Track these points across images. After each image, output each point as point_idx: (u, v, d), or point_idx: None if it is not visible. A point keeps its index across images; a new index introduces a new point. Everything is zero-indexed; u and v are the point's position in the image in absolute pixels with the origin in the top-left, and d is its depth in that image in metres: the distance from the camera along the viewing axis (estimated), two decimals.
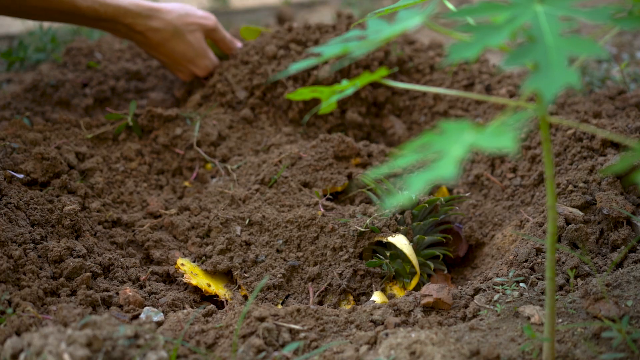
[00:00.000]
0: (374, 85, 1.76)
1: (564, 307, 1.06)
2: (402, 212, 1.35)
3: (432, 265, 1.32)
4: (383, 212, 1.33)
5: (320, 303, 1.26)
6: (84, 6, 1.50)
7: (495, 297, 1.13)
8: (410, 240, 1.31)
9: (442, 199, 1.36)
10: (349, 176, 1.46)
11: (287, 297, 1.27)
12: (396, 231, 1.31)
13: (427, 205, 1.34)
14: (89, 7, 1.50)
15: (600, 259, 1.20)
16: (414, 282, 1.30)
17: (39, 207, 1.31)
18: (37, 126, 1.54)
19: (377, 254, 1.34)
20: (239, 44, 1.72)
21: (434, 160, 0.66)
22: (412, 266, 1.29)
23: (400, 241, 1.29)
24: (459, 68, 1.80)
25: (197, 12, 1.63)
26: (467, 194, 1.44)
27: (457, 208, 1.40)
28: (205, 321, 1.10)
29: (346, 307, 1.24)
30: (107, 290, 1.20)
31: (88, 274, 1.20)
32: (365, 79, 0.88)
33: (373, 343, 1.01)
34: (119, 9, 1.54)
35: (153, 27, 1.57)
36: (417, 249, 1.32)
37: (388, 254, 1.30)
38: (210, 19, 1.64)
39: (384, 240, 1.30)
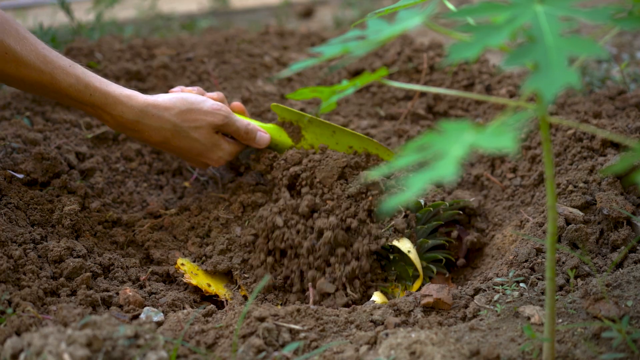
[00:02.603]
0: None
1: (564, 307, 1.06)
2: (406, 216, 1.35)
3: (434, 269, 1.32)
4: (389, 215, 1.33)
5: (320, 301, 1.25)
6: (66, 84, 1.24)
7: (495, 297, 1.13)
8: (414, 243, 1.32)
9: (447, 203, 1.36)
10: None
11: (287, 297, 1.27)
12: (401, 235, 1.31)
13: (431, 209, 1.34)
14: (71, 86, 1.25)
15: (600, 259, 1.20)
16: (416, 285, 1.30)
17: (39, 207, 1.31)
18: (37, 126, 1.54)
19: (380, 257, 1.34)
20: (258, 134, 1.41)
21: (434, 160, 0.66)
22: (415, 269, 1.30)
23: (404, 245, 1.29)
24: (459, 68, 1.80)
25: (204, 106, 1.35)
26: (471, 199, 1.44)
27: (461, 212, 1.40)
28: (205, 321, 1.10)
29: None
30: (107, 290, 1.20)
31: (88, 274, 1.20)
32: (365, 78, 0.88)
33: (373, 343, 1.01)
34: (108, 97, 1.28)
35: (151, 126, 1.31)
36: (420, 252, 1.32)
37: (391, 256, 1.30)
38: (218, 115, 1.35)
39: (388, 243, 1.30)
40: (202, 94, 1.41)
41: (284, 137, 1.44)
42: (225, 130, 1.38)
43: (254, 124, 1.42)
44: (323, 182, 1.34)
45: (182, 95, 1.34)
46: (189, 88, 1.41)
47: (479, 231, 1.44)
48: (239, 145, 1.43)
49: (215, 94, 1.42)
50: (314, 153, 1.38)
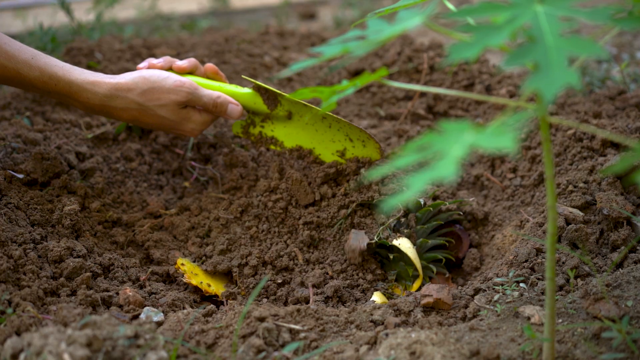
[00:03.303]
0: None
1: (564, 307, 1.06)
2: (405, 215, 1.35)
3: (434, 269, 1.32)
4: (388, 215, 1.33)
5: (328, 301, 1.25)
6: (31, 77, 1.27)
7: (495, 297, 1.13)
8: (414, 243, 1.32)
9: (447, 203, 1.36)
10: None
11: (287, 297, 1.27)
12: (400, 234, 1.31)
13: (431, 209, 1.34)
14: (37, 79, 1.28)
15: (600, 259, 1.20)
16: (416, 285, 1.30)
17: (39, 207, 1.31)
18: (37, 126, 1.54)
19: (380, 256, 1.34)
20: (229, 106, 1.41)
21: (434, 160, 0.66)
22: (415, 269, 1.30)
23: (404, 244, 1.29)
24: (459, 68, 1.80)
25: (165, 85, 1.35)
26: (471, 199, 1.44)
27: (461, 214, 1.40)
28: (205, 321, 1.10)
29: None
30: (107, 290, 1.20)
31: (88, 274, 1.20)
32: (365, 78, 0.88)
33: (373, 343, 1.01)
34: (72, 85, 1.30)
35: (116, 107, 1.34)
36: (419, 252, 1.32)
37: (391, 256, 1.30)
38: (181, 92, 1.35)
39: (388, 243, 1.30)
40: (171, 64, 1.42)
41: (259, 104, 1.44)
42: (192, 104, 1.39)
43: (225, 95, 1.42)
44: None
45: (144, 74, 1.36)
46: (157, 60, 1.42)
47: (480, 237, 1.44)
48: (212, 115, 1.43)
49: (186, 62, 1.42)
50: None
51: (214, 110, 1.40)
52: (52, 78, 1.29)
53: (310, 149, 1.45)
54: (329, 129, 1.42)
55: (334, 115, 1.40)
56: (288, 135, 1.46)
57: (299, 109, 1.42)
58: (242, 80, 1.75)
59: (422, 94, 1.79)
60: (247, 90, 1.44)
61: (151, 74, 1.36)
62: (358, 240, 1.26)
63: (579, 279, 1.15)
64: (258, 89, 1.43)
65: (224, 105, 1.40)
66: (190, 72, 1.43)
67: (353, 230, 1.28)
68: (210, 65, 1.45)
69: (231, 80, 1.81)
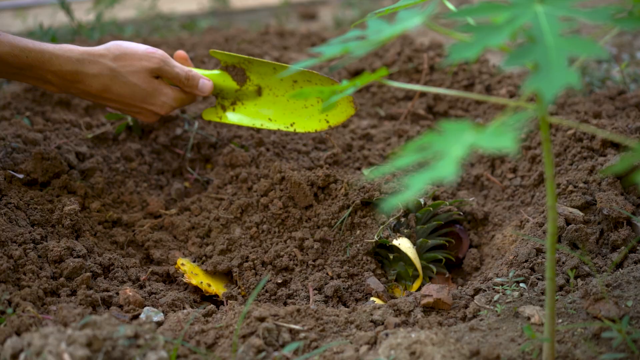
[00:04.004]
0: None
1: (564, 308, 1.06)
2: (405, 215, 1.35)
3: (434, 269, 1.32)
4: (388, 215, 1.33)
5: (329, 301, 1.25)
6: (2, 52, 1.26)
7: (495, 298, 1.13)
8: (414, 243, 1.32)
9: (447, 203, 1.36)
10: None
11: (288, 297, 1.27)
12: (400, 234, 1.31)
13: (431, 209, 1.34)
14: (7, 53, 1.26)
15: (601, 259, 1.20)
16: (416, 285, 1.30)
17: (39, 207, 1.31)
18: (37, 126, 1.54)
19: (380, 256, 1.34)
20: (200, 81, 1.43)
21: (434, 160, 0.66)
22: (415, 269, 1.30)
23: (404, 244, 1.29)
24: (459, 68, 1.80)
25: (138, 51, 1.37)
26: (471, 199, 1.44)
27: (461, 214, 1.40)
28: (205, 321, 1.10)
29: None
30: (107, 290, 1.20)
31: (88, 274, 1.20)
32: (365, 78, 0.88)
33: (373, 343, 1.01)
34: (44, 53, 1.29)
35: (88, 73, 1.33)
36: (419, 252, 1.32)
37: (391, 256, 1.30)
38: (154, 59, 1.37)
39: (388, 243, 1.30)
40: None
41: (228, 82, 1.47)
42: (164, 75, 1.40)
43: (196, 71, 1.44)
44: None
45: (116, 42, 1.38)
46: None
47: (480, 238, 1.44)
48: (183, 92, 1.44)
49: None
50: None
51: (186, 83, 1.42)
52: (23, 50, 1.28)
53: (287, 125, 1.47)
54: (293, 83, 1.46)
55: (307, 73, 1.42)
56: (260, 113, 1.49)
57: (268, 81, 1.46)
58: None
59: (422, 94, 1.78)
60: (215, 71, 1.47)
61: (123, 42, 1.38)
62: (376, 284, 1.27)
63: (579, 279, 1.15)
64: (226, 67, 1.47)
65: (196, 79, 1.42)
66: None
67: (369, 279, 1.28)
68: (180, 53, 1.48)
69: None
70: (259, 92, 1.47)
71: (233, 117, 1.50)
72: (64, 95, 1.68)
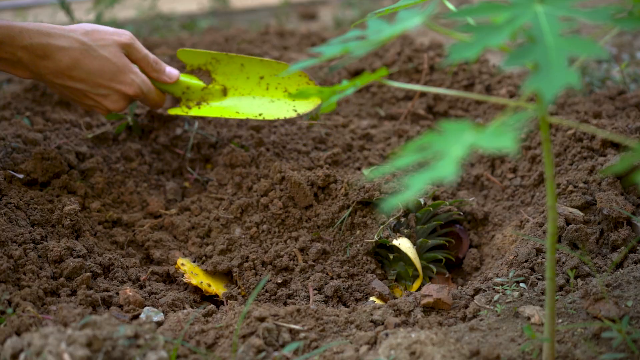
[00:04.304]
0: None
1: (564, 308, 1.06)
2: (405, 215, 1.35)
3: (434, 269, 1.32)
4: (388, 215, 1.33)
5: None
6: None
7: (495, 298, 1.13)
8: (414, 243, 1.32)
9: (447, 203, 1.36)
10: None
11: (288, 297, 1.27)
12: (400, 234, 1.31)
13: (431, 209, 1.34)
14: None
15: (601, 259, 1.20)
16: (416, 285, 1.30)
17: (39, 207, 1.31)
18: (37, 126, 1.54)
19: (380, 256, 1.34)
20: (167, 67, 1.47)
21: (434, 160, 0.66)
22: (415, 269, 1.30)
23: (404, 244, 1.29)
24: (459, 68, 1.80)
25: (108, 29, 1.38)
26: (471, 199, 1.44)
27: (461, 214, 1.40)
28: (205, 321, 1.10)
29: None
30: (107, 290, 1.20)
31: (88, 274, 1.20)
32: (365, 78, 0.88)
33: (373, 343, 1.01)
34: (13, 28, 1.27)
35: (58, 46, 1.30)
36: (419, 252, 1.32)
37: (391, 256, 1.30)
38: (124, 35, 1.39)
39: (388, 243, 1.30)
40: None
41: (194, 80, 1.50)
42: (134, 52, 1.40)
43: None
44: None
45: (85, 23, 1.39)
46: None
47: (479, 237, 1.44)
48: (150, 78, 1.45)
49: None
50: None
51: (155, 67, 1.43)
52: None
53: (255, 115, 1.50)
54: (266, 91, 1.48)
55: (274, 65, 1.48)
56: (227, 108, 1.52)
57: (234, 82, 1.50)
58: None
59: (422, 94, 1.79)
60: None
61: (92, 24, 1.39)
62: (381, 287, 1.27)
63: (579, 279, 1.15)
64: (191, 71, 1.51)
65: (164, 65, 1.45)
66: None
67: (373, 282, 1.28)
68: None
69: None
70: (224, 92, 1.50)
71: (199, 111, 1.52)
72: None
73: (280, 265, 1.31)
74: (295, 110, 1.47)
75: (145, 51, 1.42)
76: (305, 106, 1.47)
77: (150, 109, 1.50)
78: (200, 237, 1.40)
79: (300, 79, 1.46)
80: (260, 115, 1.48)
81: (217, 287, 1.30)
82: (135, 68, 1.41)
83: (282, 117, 1.47)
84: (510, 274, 1.17)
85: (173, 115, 1.62)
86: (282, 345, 1.01)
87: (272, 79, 1.47)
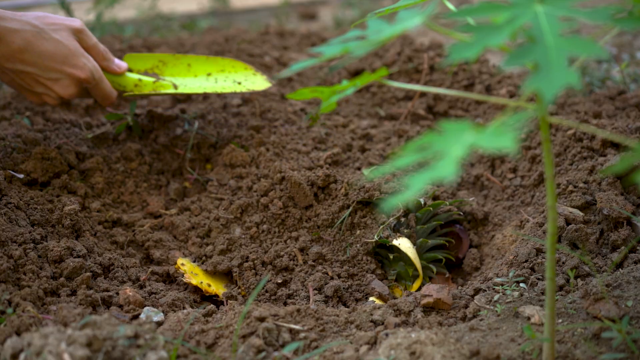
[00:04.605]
0: None
1: (564, 308, 1.06)
2: (405, 215, 1.35)
3: (434, 269, 1.32)
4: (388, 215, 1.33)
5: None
6: None
7: (495, 298, 1.13)
8: (414, 243, 1.32)
9: (447, 203, 1.36)
10: None
11: (288, 297, 1.27)
12: (400, 234, 1.31)
13: (431, 209, 1.34)
14: None
15: (601, 259, 1.20)
16: (416, 285, 1.30)
17: (39, 207, 1.31)
18: (37, 126, 1.54)
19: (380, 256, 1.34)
20: (115, 59, 1.48)
21: (434, 160, 0.66)
22: (415, 269, 1.30)
23: (404, 244, 1.29)
24: (459, 68, 1.80)
25: (59, 16, 1.39)
26: (471, 199, 1.44)
27: (461, 214, 1.40)
28: (205, 321, 1.10)
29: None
30: (107, 290, 1.20)
31: (88, 274, 1.20)
32: (365, 78, 0.88)
33: (373, 343, 1.01)
34: None
35: (10, 29, 1.30)
36: (419, 252, 1.32)
37: (391, 256, 1.30)
38: (75, 21, 1.39)
39: (388, 243, 1.30)
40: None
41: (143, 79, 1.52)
42: (85, 39, 1.40)
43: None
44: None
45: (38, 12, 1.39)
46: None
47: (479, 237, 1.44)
48: (99, 64, 1.44)
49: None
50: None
51: (105, 55, 1.44)
52: None
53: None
54: (215, 84, 1.53)
55: (220, 62, 1.55)
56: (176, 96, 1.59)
57: (182, 81, 1.53)
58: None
59: (422, 94, 1.79)
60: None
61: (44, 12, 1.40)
62: (381, 287, 1.27)
63: (579, 279, 1.15)
64: (145, 72, 1.54)
65: (112, 56, 1.46)
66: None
67: (373, 282, 1.28)
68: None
69: None
70: (174, 87, 1.53)
71: (154, 86, 1.54)
72: None
73: (280, 265, 1.31)
74: (244, 85, 1.52)
75: (96, 40, 1.43)
76: (256, 85, 1.53)
77: (100, 103, 1.48)
78: (200, 237, 1.40)
79: (247, 71, 1.55)
80: (212, 88, 1.53)
81: (217, 287, 1.30)
82: (87, 52, 1.41)
83: (233, 90, 1.52)
84: (510, 274, 1.17)
85: (173, 115, 1.62)
86: (282, 345, 1.01)
87: (219, 74, 1.54)
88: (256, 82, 1.54)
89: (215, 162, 1.56)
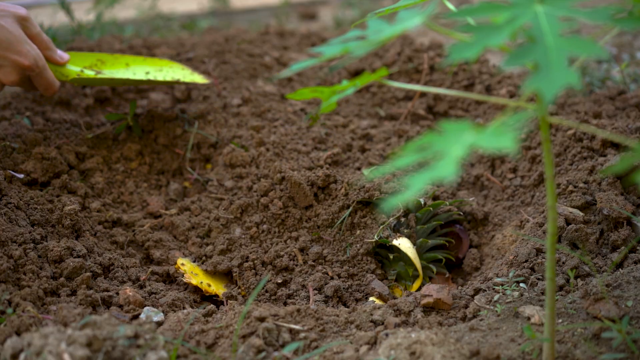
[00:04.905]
0: None
1: (564, 308, 1.06)
2: (405, 215, 1.35)
3: (434, 269, 1.32)
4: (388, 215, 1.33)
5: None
6: None
7: (496, 298, 1.13)
8: (414, 243, 1.32)
9: (447, 203, 1.36)
10: None
11: (288, 297, 1.27)
12: (400, 234, 1.31)
13: (431, 209, 1.34)
14: None
15: (601, 259, 1.20)
16: (416, 285, 1.30)
17: (39, 207, 1.31)
18: (37, 126, 1.54)
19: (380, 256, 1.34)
20: (58, 50, 1.48)
21: (434, 160, 0.66)
22: (415, 269, 1.30)
23: (404, 244, 1.29)
24: (459, 68, 1.80)
25: (4, 3, 1.38)
26: (471, 199, 1.44)
27: (461, 214, 1.40)
28: (205, 321, 1.10)
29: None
30: (107, 290, 1.20)
31: (88, 274, 1.20)
32: (365, 78, 0.88)
33: (373, 343, 1.01)
34: None
35: None
36: (419, 252, 1.32)
37: (391, 256, 1.30)
38: (21, 9, 1.38)
39: (388, 243, 1.30)
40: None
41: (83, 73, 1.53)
42: (29, 28, 1.39)
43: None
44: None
45: None
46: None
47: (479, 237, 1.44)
48: (43, 53, 1.43)
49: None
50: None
51: (48, 45, 1.44)
52: None
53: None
54: (146, 74, 1.58)
55: (158, 61, 1.63)
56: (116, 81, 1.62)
57: (121, 80, 1.56)
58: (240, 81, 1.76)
59: (422, 94, 1.78)
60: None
61: None
62: (381, 287, 1.27)
63: (579, 279, 1.15)
64: (80, 73, 1.55)
65: (53, 45, 1.46)
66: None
67: (373, 282, 1.28)
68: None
69: (231, 80, 1.81)
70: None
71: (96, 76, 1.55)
72: (64, 95, 1.68)
73: (280, 265, 1.31)
74: (179, 79, 1.57)
75: (40, 29, 1.43)
76: (195, 79, 1.60)
77: (43, 93, 1.46)
78: (200, 237, 1.40)
79: (184, 70, 1.62)
80: (149, 74, 1.57)
81: (217, 287, 1.30)
82: (30, 42, 1.39)
83: (175, 78, 1.56)
84: (510, 274, 1.17)
85: (173, 115, 1.62)
86: (282, 345, 1.01)
87: (157, 72, 1.59)
88: (195, 78, 1.61)
89: (215, 162, 1.56)
